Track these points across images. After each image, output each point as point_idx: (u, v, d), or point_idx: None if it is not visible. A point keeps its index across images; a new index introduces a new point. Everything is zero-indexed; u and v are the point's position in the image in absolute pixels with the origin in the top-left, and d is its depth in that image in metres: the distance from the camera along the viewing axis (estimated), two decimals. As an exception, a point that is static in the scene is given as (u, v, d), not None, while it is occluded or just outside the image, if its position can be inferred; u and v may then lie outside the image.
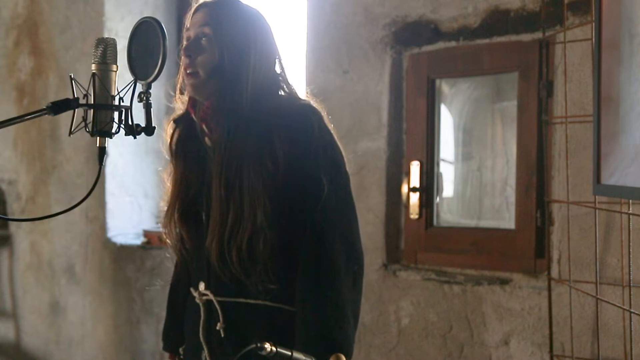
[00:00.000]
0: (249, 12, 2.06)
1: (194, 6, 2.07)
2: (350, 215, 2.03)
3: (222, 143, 1.98)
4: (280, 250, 1.98)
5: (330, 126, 2.05)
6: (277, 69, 2.07)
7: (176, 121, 2.14)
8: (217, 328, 2.03)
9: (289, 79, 2.09)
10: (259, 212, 1.94)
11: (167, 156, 2.17)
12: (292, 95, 2.07)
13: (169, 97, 2.18)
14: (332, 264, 1.94)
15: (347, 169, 2.06)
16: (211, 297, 2.05)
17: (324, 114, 2.04)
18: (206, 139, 2.06)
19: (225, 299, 2.04)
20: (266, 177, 1.95)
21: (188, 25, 2.05)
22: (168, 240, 2.16)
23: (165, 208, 2.15)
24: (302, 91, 2.12)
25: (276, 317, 2.01)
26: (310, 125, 1.98)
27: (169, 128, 2.15)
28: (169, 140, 2.14)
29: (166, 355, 2.33)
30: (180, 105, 2.14)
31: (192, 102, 2.07)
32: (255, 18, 2.05)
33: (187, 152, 2.11)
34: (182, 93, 2.12)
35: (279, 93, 2.06)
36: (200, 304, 2.08)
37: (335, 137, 2.04)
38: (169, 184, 2.16)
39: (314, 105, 2.04)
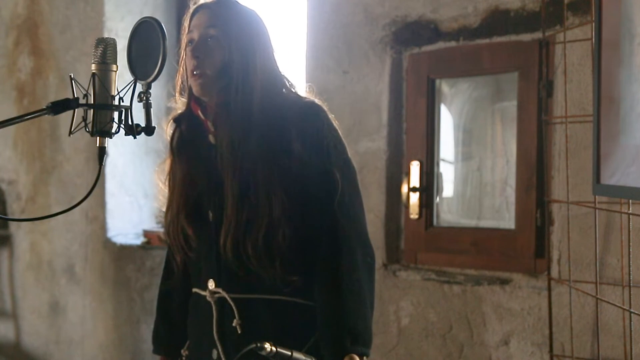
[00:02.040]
0: (249, 13, 2.09)
1: (192, 8, 2.08)
2: (361, 209, 2.09)
3: (233, 141, 1.99)
4: (297, 244, 2.01)
5: (335, 123, 2.08)
6: (278, 68, 2.10)
7: (176, 120, 2.14)
8: (234, 325, 2.03)
9: (290, 77, 2.12)
10: (275, 206, 1.97)
11: (167, 155, 2.17)
12: (295, 93, 2.10)
13: (170, 97, 2.18)
14: (351, 257, 2.00)
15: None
16: (224, 294, 2.05)
17: (327, 110, 2.08)
18: (210, 136, 2.07)
19: (239, 295, 2.04)
20: (281, 172, 1.98)
21: (189, 27, 2.06)
22: (170, 240, 2.15)
23: (165, 208, 2.15)
24: (303, 89, 2.15)
25: (292, 312, 2.04)
26: (320, 121, 2.03)
27: (169, 128, 2.15)
28: (169, 139, 2.14)
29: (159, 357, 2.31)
30: (179, 104, 2.14)
31: (195, 100, 2.08)
32: (255, 18, 2.09)
33: (190, 150, 2.11)
34: (182, 93, 2.12)
35: (283, 91, 2.09)
36: (212, 302, 2.07)
37: (340, 133, 2.09)
38: (163, 185, 2.16)
39: (318, 102, 2.08)
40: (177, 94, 2.13)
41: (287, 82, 2.10)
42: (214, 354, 2.07)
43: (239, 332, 2.03)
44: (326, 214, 2.00)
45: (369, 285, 2.04)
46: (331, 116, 2.08)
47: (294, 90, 2.11)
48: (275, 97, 2.04)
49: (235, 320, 2.04)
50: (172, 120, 2.15)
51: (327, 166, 2.01)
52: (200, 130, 2.09)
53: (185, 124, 2.12)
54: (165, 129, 2.16)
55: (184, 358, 2.23)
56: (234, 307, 2.04)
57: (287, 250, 1.99)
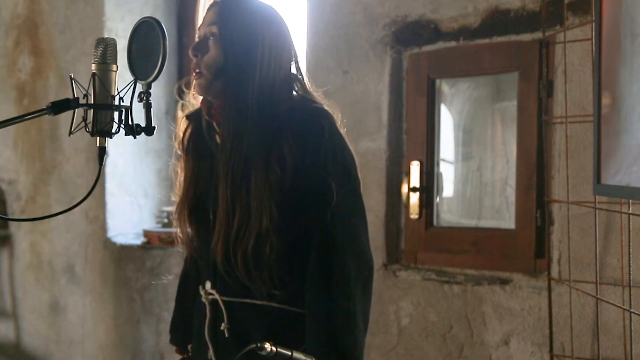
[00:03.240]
0: (260, 11, 2.01)
1: (210, 3, 2.07)
2: (359, 220, 2.01)
3: (228, 144, 1.96)
4: (287, 256, 1.96)
5: (343, 130, 2.01)
6: (293, 69, 2.03)
7: (189, 117, 2.12)
8: (222, 328, 2.03)
9: (304, 79, 2.05)
10: (264, 216, 1.92)
11: (178, 152, 2.16)
12: (305, 97, 2.03)
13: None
14: (342, 271, 1.93)
15: (359, 173, 2.03)
16: (217, 296, 2.05)
17: (337, 117, 2.01)
18: (217, 136, 2.05)
19: (231, 298, 2.03)
20: (273, 182, 1.92)
21: (201, 24, 2.05)
22: (180, 236, 2.15)
23: (176, 204, 2.15)
24: (317, 92, 2.06)
25: (282, 319, 2.01)
26: (321, 129, 1.95)
27: (182, 124, 2.14)
28: (181, 135, 2.13)
29: (166, 354, 2.33)
30: (193, 101, 2.13)
31: (204, 99, 2.06)
32: (267, 17, 2.01)
33: (197, 149, 2.10)
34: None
35: (292, 94, 2.02)
36: (207, 303, 2.07)
37: (347, 141, 2.01)
38: (181, 179, 2.15)
39: (327, 108, 2.00)
40: (191, 90, 2.11)
41: (297, 85, 2.03)
42: (209, 354, 2.08)
43: (226, 335, 2.03)
44: (318, 226, 1.93)
45: (363, 300, 1.97)
46: (340, 122, 2.00)
47: (305, 94, 2.03)
48: (279, 101, 1.97)
49: (223, 324, 2.03)
50: (185, 117, 2.14)
51: (322, 175, 1.93)
52: (209, 129, 2.07)
53: (196, 121, 2.10)
54: (179, 125, 2.15)
55: (189, 353, 2.24)
56: (224, 310, 2.03)
57: (276, 262, 1.94)
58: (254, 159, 1.94)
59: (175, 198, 2.16)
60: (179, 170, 2.16)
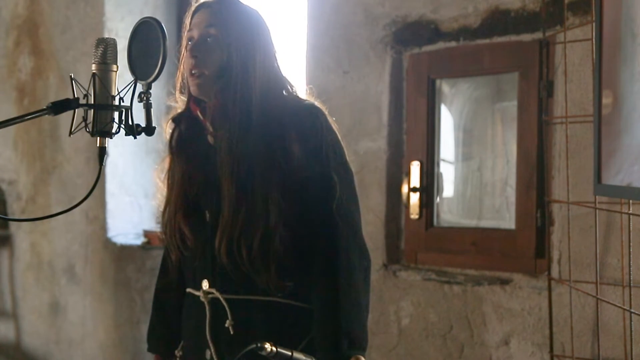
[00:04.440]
0: (251, 12, 2.08)
1: (194, 6, 2.07)
2: (357, 211, 2.08)
3: (232, 142, 1.99)
4: (293, 248, 2.00)
5: (335, 125, 2.07)
6: (279, 69, 2.09)
7: (175, 120, 2.13)
8: (227, 326, 2.03)
9: (290, 78, 2.11)
10: (272, 211, 1.96)
11: (166, 154, 2.16)
12: (295, 95, 2.10)
13: (170, 96, 2.17)
14: (348, 261, 1.99)
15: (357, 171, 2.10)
16: (217, 295, 2.05)
17: (326, 112, 2.07)
18: (209, 137, 2.06)
19: (233, 296, 2.04)
20: (278, 176, 1.97)
21: (190, 26, 2.05)
22: (167, 238, 2.14)
23: (163, 206, 2.15)
24: (303, 91, 2.14)
25: (286, 314, 2.03)
26: (320, 124, 2.02)
27: (168, 127, 2.15)
28: (168, 138, 2.14)
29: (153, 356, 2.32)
30: (179, 103, 2.14)
31: (194, 100, 2.07)
32: (257, 18, 2.08)
33: (188, 150, 2.11)
34: (182, 92, 2.12)
35: (283, 93, 2.08)
36: (206, 303, 2.07)
37: (339, 135, 2.08)
38: (161, 183, 2.16)
39: (318, 104, 2.07)
40: (177, 92, 2.13)
41: (287, 84, 2.09)
42: (207, 354, 2.07)
43: (232, 332, 2.03)
44: (324, 218, 1.99)
45: (365, 288, 2.04)
46: (331, 119, 2.07)
47: (293, 92, 2.09)
48: (275, 99, 2.03)
49: (228, 321, 2.04)
50: (171, 120, 2.15)
51: (325, 169, 2.00)
52: (199, 130, 2.09)
53: (184, 123, 2.11)
54: (165, 128, 2.16)
55: (177, 359, 2.23)
56: (227, 308, 2.04)
57: (284, 255, 1.99)
58: (259, 155, 1.98)
59: (161, 201, 2.15)
60: (160, 175, 2.17)
